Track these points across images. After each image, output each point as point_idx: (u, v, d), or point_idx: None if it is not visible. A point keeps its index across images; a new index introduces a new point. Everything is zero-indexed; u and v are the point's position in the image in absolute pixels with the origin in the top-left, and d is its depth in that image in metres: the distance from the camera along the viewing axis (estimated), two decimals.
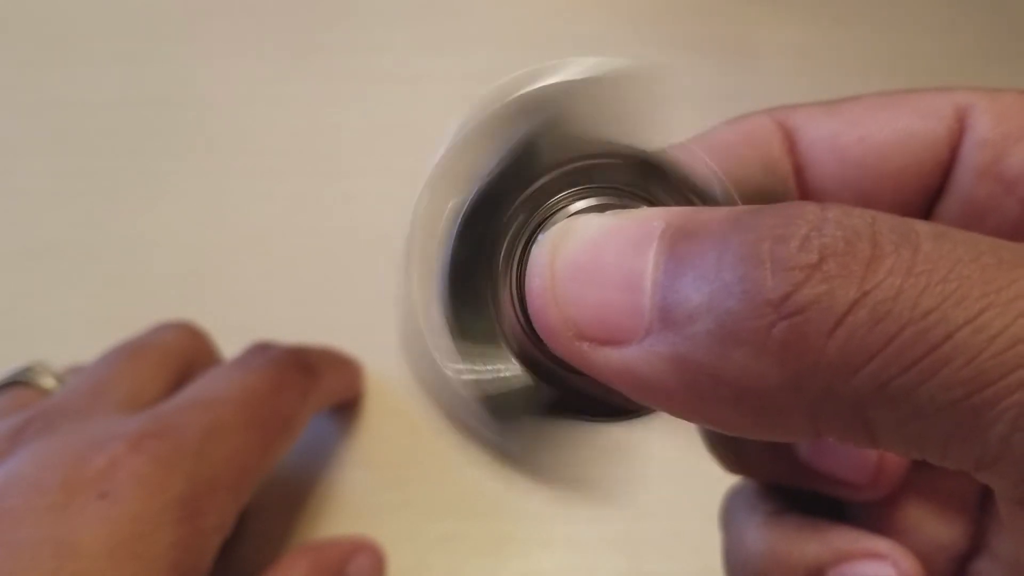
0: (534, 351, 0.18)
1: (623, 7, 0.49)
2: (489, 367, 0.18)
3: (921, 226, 0.14)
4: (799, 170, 0.20)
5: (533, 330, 0.17)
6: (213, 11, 0.50)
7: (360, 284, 0.41)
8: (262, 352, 0.34)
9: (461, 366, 0.18)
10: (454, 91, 0.42)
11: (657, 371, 0.15)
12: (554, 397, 0.18)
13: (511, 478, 0.18)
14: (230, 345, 0.36)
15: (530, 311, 0.17)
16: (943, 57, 0.46)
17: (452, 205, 0.17)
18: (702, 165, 0.18)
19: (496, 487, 0.38)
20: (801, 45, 0.47)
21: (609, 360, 0.16)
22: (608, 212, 0.17)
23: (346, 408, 0.40)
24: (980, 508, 0.23)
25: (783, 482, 0.24)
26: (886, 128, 0.20)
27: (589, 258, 0.16)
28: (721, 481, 0.26)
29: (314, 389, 0.34)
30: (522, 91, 0.17)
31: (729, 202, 0.17)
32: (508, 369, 0.18)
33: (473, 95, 0.18)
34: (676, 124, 0.18)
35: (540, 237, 0.17)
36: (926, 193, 0.20)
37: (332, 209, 0.44)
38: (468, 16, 0.49)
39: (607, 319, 0.16)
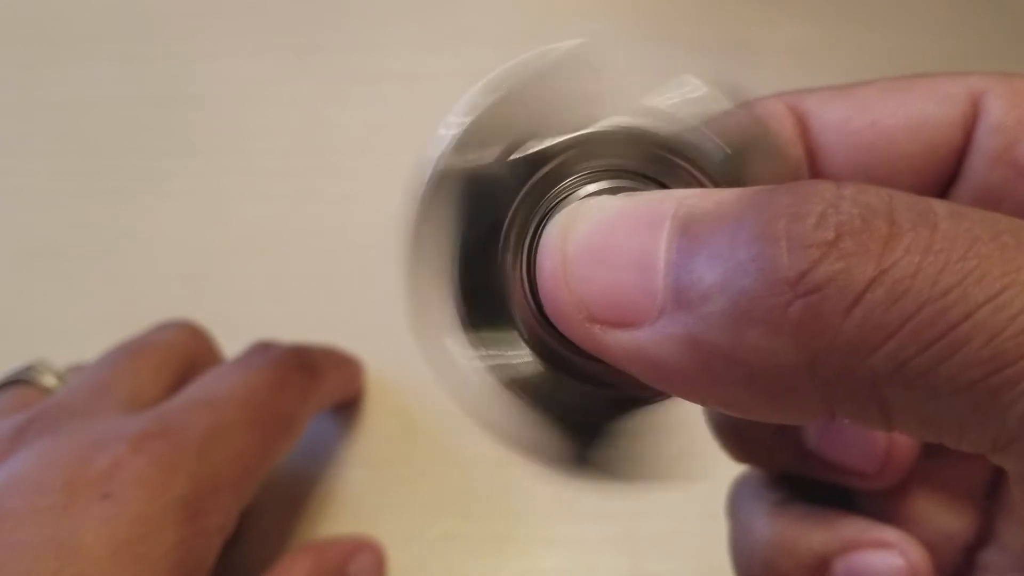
0: (545, 336, 0.18)
1: (623, 5, 0.49)
2: (501, 353, 0.18)
3: (939, 204, 0.14)
4: (811, 154, 0.20)
5: (544, 315, 0.17)
6: (213, 11, 0.50)
7: (360, 283, 0.41)
8: (263, 351, 0.34)
9: (474, 352, 0.18)
10: (454, 89, 0.42)
11: (670, 353, 0.15)
12: (567, 383, 0.18)
13: (523, 464, 0.18)
14: (231, 344, 0.36)
15: (541, 294, 0.17)
16: (943, 56, 0.46)
17: (460, 193, 0.17)
18: (716, 147, 0.18)
19: (496, 487, 0.38)
20: (801, 43, 0.47)
21: (621, 342, 0.15)
22: (620, 194, 0.17)
23: (346, 408, 0.39)
24: (988, 498, 0.23)
25: (791, 471, 0.24)
26: (899, 112, 0.20)
27: (601, 240, 0.16)
28: (722, 480, 0.26)
29: (315, 388, 0.34)
30: (528, 74, 0.17)
31: (741, 180, 0.17)
32: (520, 356, 0.18)
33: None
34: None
35: (551, 220, 0.17)
36: (939, 178, 0.20)
37: (332, 208, 0.44)
38: (467, 14, 0.49)
39: (619, 301, 0.15)
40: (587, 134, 0.17)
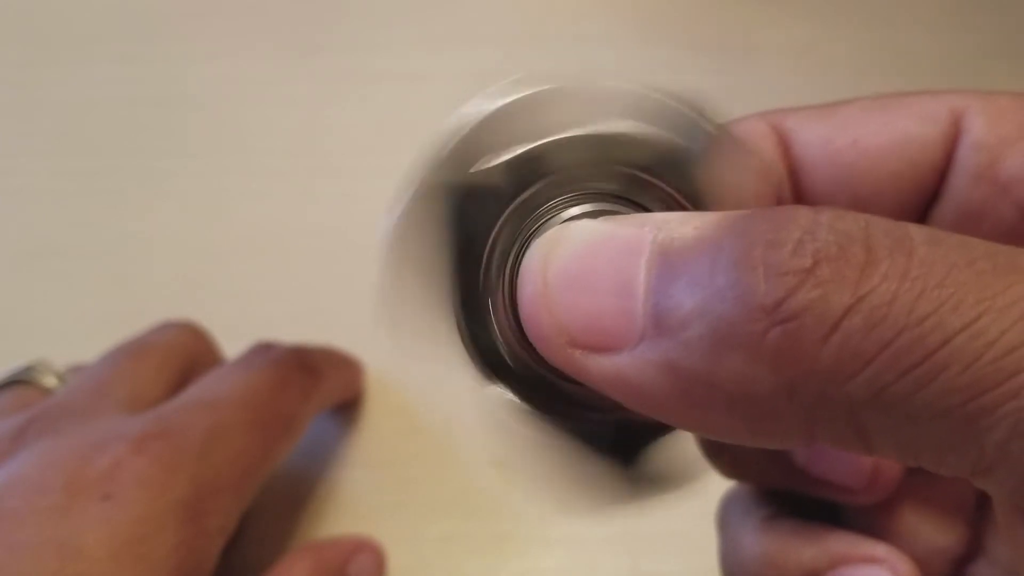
0: (528, 360, 0.18)
1: (623, 5, 0.49)
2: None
3: (915, 230, 0.14)
4: (793, 173, 0.20)
5: (527, 339, 0.17)
6: (212, 11, 0.50)
7: (360, 284, 0.41)
8: (264, 352, 0.34)
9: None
10: (454, 90, 0.42)
11: (650, 378, 0.15)
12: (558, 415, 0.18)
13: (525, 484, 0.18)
14: (231, 345, 0.36)
15: (522, 318, 0.17)
16: (942, 56, 0.45)
17: (441, 218, 0.17)
18: (695, 168, 0.17)
19: (496, 487, 0.38)
20: (800, 44, 0.47)
21: (602, 367, 0.15)
22: (600, 218, 0.17)
23: (346, 408, 0.40)
24: (977, 512, 0.23)
25: (779, 487, 0.24)
26: (881, 131, 0.20)
27: (581, 264, 0.16)
28: (721, 479, 0.26)
29: (316, 389, 0.34)
30: (510, 100, 0.17)
31: (721, 202, 0.17)
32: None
33: (473, 94, 0.18)
34: None
35: (532, 244, 0.17)
36: (922, 197, 0.20)
37: (332, 208, 0.44)
38: (467, 14, 0.49)
39: (599, 326, 0.15)
40: (570, 158, 0.17)
